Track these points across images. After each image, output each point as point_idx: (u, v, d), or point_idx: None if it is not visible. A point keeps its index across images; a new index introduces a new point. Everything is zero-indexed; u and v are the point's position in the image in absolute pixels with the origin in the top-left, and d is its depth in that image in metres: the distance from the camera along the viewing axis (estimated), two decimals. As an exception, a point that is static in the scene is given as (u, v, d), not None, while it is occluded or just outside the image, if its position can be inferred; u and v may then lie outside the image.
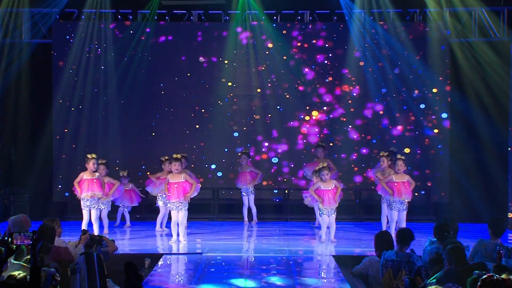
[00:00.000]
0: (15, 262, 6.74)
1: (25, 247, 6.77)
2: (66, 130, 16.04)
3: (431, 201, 15.87)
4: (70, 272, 7.70)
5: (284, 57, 16.24)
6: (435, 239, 8.64)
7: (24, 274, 5.92)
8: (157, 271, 10.17)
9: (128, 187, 14.43)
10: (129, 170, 14.81)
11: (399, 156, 12.92)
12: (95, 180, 12.71)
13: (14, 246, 5.84)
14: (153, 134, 16.28)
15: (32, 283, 5.60)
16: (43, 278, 6.62)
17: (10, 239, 5.79)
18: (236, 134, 16.30)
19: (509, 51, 15.29)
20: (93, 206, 12.72)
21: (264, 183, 15.86)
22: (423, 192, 15.82)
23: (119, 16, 16.17)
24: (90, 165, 12.73)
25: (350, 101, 16.22)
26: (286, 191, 16.20)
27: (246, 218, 15.03)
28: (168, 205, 12.82)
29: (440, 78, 15.98)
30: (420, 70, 15.99)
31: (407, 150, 15.74)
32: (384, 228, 13.05)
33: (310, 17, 16.27)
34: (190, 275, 10.21)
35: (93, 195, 12.66)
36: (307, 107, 16.26)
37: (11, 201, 15.61)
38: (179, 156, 12.67)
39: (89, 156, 12.85)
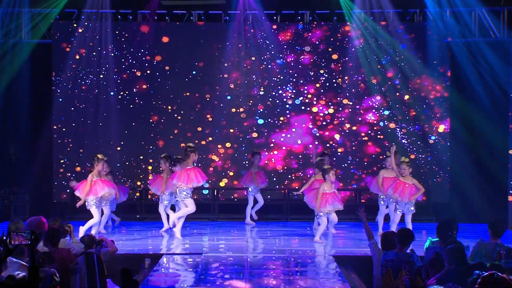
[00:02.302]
0: (16, 261, 6.74)
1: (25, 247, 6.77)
2: (64, 130, 16.04)
3: (431, 202, 15.87)
4: (70, 272, 7.71)
5: (288, 59, 16.23)
6: (437, 238, 8.64)
7: (23, 274, 5.92)
8: (157, 271, 10.18)
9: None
10: (129, 170, 14.75)
11: (403, 159, 12.89)
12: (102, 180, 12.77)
13: (12, 246, 5.83)
14: (152, 135, 16.27)
15: (30, 283, 5.60)
16: (43, 278, 6.62)
17: (8, 239, 5.79)
18: (237, 134, 16.29)
19: (509, 51, 15.29)
20: (104, 204, 12.76)
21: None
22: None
23: (119, 16, 16.17)
24: (100, 166, 12.77)
25: (350, 102, 16.21)
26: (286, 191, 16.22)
27: (248, 218, 14.94)
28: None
29: (440, 78, 15.98)
30: (420, 70, 16.00)
31: (412, 156, 15.75)
32: (380, 229, 13.09)
33: (310, 17, 16.27)
34: (190, 275, 10.21)
35: (109, 193, 12.70)
36: (309, 108, 16.25)
37: (11, 201, 15.62)
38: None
39: (99, 156, 12.87)
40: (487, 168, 15.53)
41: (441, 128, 16.02)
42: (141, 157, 16.21)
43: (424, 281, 7.35)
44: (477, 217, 14.64)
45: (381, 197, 13.39)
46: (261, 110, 16.31)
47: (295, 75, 16.26)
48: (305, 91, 16.26)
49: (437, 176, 16.00)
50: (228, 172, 16.26)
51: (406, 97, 16.07)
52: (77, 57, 16.04)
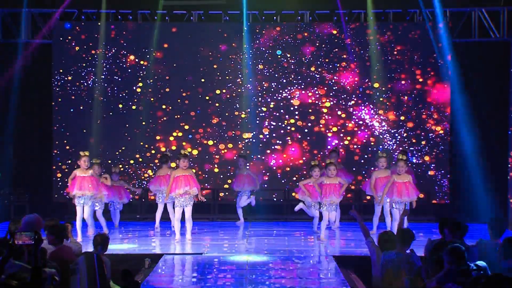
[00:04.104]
0: (16, 262, 6.74)
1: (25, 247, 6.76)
2: (63, 130, 16.04)
3: (431, 202, 15.88)
4: (70, 272, 7.71)
5: (291, 60, 16.20)
6: (438, 238, 8.65)
7: (23, 274, 5.93)
8: (157, 271, 10.18)
9: (118, 184, 14.25)
10: (129, 171, 14.79)
11: (400, 156, 12.97)
12: (87, 178, 12.72)
13: (16, 246, 5.84)
14: (152, 134, 16.26)
15: (33, 283, 5.60)
16: (43, 278, 6.62)
17: (12, 239, 5.79)
18: (239, 135, 16.27)
19: (509, 51, 15.30)
20: (86, 203, 12.73)
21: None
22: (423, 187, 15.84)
23: (119, 16, 16.17)
24: (81, 162, 12.77)
25: (350, 103, 16.20)
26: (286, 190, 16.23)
27: (242, 218, 15.02)
28: (176, 201, 12.75)
29: (440, 79, 15.98)
30: (419, 70, 16.00)
31: (414, 160, 15.79)
32: (374, 229, 13.11)
33: (310, 17, 16.26)
34: (190, 275, 10.21)
35: (83, 193, 12.67)
36: (310, 110, 16.24)
37: (11, 201, 15.62)
38: (187, 152, 12.82)
39: (81, 153, 12.90)
40: (487, 168, 15.54)
41: (441, 128, 16.02)
42: (140, 160, 16.19)
43: (424, 281, 7.35)
44: (477, 217, 14.65)
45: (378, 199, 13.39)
46: (264, 111, 16.26)
47: (299, 76, 16.22)
48: (308, 92, 16.21)
49: (437, 176, 16.00)
50: (228, 174, 16.21)
51: (406, 97, 16.08)
52: (77, 57, 16.05)
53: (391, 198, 12.81)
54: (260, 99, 16.27)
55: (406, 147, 15.82)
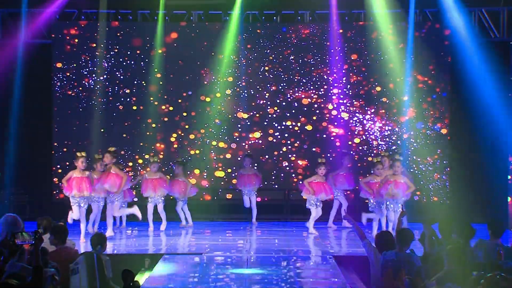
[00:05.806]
0: (16, 262, 6.74)
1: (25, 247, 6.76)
2: (63, 130, 16.01)
3: (431, 202, 15.87)
4: (70, 272, 7.72)
5: (292, 59, 16.18)
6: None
7: (24, 274, 5.93)
8: (157, 271, 10.18)
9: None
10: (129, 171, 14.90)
11: (397, 157, 13.03)
12: (84, 179, 12.67)
13: (16, 246, 5.84)
14: (151, 133, 16.24)
15: (34, 283, 5.60)
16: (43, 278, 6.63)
17: (12, 239, 5.79)
18: (240, 136, 16.24)
19: (509, 51, 15.30)
20: (82, 204, 12.70)
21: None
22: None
23: (119, 16, 16.16)
24: (79, 163, 12.69)
25: (349, 103, 16.19)
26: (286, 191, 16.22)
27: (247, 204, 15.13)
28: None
29: (439, 78, 15.98)
30: (419, 71, 15.99)
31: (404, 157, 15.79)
32: (383, 229, 13.11)
33: (310, 17, 16.25)
34: (190, 275, 10.21)
35: (81, 194, 12.63)
36: (312, 109, 16.22)
37: (11, 201, 15.62)
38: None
39: (78, 154, 12.82)
40: (486, 168, 15.54)
41: (441, 128, 16.02)
42: (140, 161, 16.17)
43: (424, 281, 7.37)
44: (476, 217, 14.62)
45: (371, 202, 13.36)
46: (270, 113, 16.23)
47: (303, 77, 16.20)
48: (312, 93, 16.19)
49: (437, 176, 15.99)
50: (233, 174, 16.16)
51: (405, 97, 16.07)
52: (77, 57, 16.04)
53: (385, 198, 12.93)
54: (262, 100, 16.24)
55: (406, 147, 15.84)
